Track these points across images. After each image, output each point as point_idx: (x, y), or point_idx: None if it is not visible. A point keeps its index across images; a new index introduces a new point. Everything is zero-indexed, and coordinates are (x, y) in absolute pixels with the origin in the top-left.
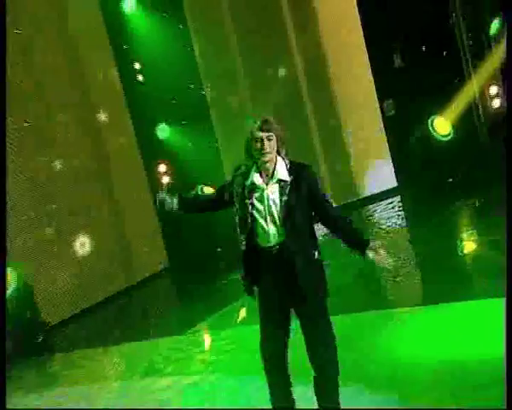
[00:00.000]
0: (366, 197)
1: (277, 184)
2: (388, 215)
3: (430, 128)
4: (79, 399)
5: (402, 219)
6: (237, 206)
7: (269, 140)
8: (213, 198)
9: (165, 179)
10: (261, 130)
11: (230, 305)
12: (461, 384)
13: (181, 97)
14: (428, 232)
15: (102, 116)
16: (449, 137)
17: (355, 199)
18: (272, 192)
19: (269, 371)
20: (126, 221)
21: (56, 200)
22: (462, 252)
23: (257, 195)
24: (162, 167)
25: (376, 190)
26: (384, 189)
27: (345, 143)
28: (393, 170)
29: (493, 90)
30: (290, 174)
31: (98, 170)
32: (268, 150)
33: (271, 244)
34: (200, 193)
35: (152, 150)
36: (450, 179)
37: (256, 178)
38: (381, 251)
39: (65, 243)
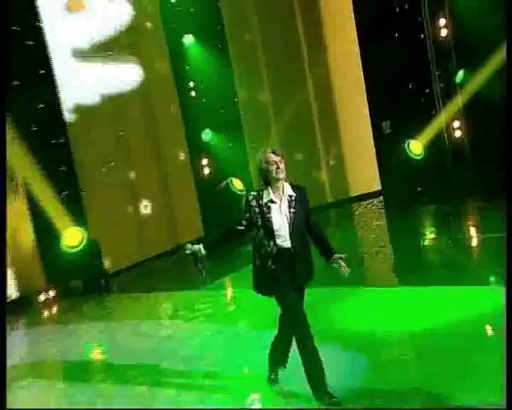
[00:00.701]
0: (356, 196)
1: (287, 200)
2: (371, 212)
3: (407, 148)
4: (122, 333)
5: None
6: (259, 222)
7: (281, 162)
8: (239, 229)
9: (206, 171)
10: (275, 155)
11: None
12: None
13: (226, 109)
14: (400, 228)
15: (163, 126)
16: (420, 157)
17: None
18: (284, 205)
19: (296, 322)
20: (174, 198)
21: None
22: (424, 245)
23: (275, 208)
24: (204, 161)
25: (364, 191)
26: (371, 190)
27: (343, 154)
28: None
29: (456, 123)
30: (294, 192)
31: (158, 162)
32: (282, 169)
33: (288, 244)
34: (229, 183)
35: (197, 148)
36: (419, 188)
37: (272, 196)
38: (342, 262)
39: (130, 208)
